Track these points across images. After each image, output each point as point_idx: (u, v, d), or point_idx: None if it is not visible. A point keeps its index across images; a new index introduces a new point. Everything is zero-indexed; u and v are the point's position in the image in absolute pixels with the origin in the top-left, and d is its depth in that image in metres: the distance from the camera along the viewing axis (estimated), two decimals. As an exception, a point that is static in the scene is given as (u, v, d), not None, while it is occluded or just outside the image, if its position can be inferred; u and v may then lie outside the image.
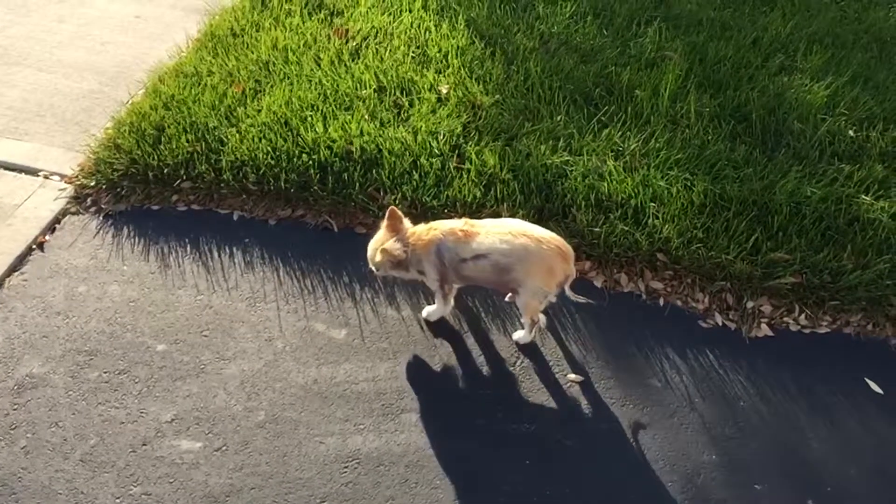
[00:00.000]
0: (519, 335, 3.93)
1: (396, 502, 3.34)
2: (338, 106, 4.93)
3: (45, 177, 4.74)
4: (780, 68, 5.41)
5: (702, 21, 5.84)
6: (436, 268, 3.68)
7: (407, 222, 3.72)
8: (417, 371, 3.82)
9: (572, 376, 3.82)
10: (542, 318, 3.88)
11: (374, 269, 3.80)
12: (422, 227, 3.72)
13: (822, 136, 4.82)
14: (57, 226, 4.47)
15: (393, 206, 3.68)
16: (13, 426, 3.54)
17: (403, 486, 3.40)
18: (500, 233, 3.58)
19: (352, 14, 5.76)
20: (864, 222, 4.35)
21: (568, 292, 3.76)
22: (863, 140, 4.86)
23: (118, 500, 3.30)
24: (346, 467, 3.45)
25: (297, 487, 3.37)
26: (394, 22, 5.68)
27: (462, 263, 3.61)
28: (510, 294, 3.98)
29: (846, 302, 4.13)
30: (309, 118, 4.81)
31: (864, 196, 4.47)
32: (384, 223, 3.70)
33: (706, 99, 5.07)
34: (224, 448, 3.50)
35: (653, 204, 4.41)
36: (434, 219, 4.35)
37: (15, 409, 3.60)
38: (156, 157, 4.66)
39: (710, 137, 4.82)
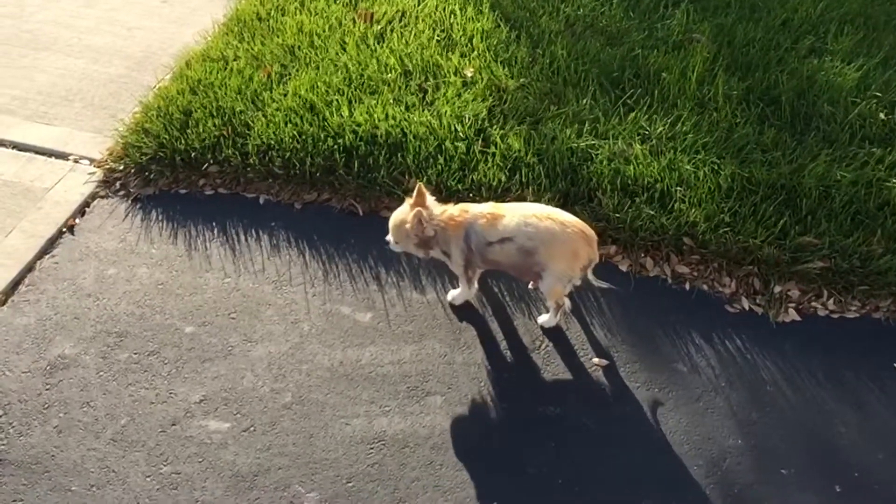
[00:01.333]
0: (544, 319, 3.93)
1: (422, 483, 3.37)
2: (363, 90, 4.94)
3: (75, 161, 4.80)
4: (810, 50, 5.32)
5: (730, 2, 5.76)
6: (462, 252, 3.68)
7: (432, 200, 3.69)
8: (442, 354, 3.84)
9: (597, 360, 3.82)
10: (567, 302, 3.88)
11: (393, 241, 3.79)
12: (455, 208, 3.70)
13: (852, 119, 4.75)
14: (86, 209, 4.53)
15: (420, 183, 3.67)
16: (46, 406, 3.61)
17: (429, 467, 3.42)
18: (524, 215, 3.57)
19: (377, -3, 5.76)
20: (895, 206, 4.29)
21: (590, 277, 3.76)
22: (894, 123, 4.78)
23: (148, 479, 3.36)
24: (371, 448, 3.48)
25: (323, 468, 3.41)
26: (419, 5, 5.66)
27: (488, 247, 3.61)
28: (532, 282, 3.98)
29: (875, 287, 4.08)
30: (334, 102, 4.82)
31: (895, 180, 4.40)
32: (410, 200, 3.67)
33: (734, 82, 5.01)
34: (252, 428, 3.54)
35: (679, 188, 4.38)
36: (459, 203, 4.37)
37: (48, 389, 3.67)
38: (183, 142, 4.70)
39: (738, 121, 4.77)
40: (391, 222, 3.76)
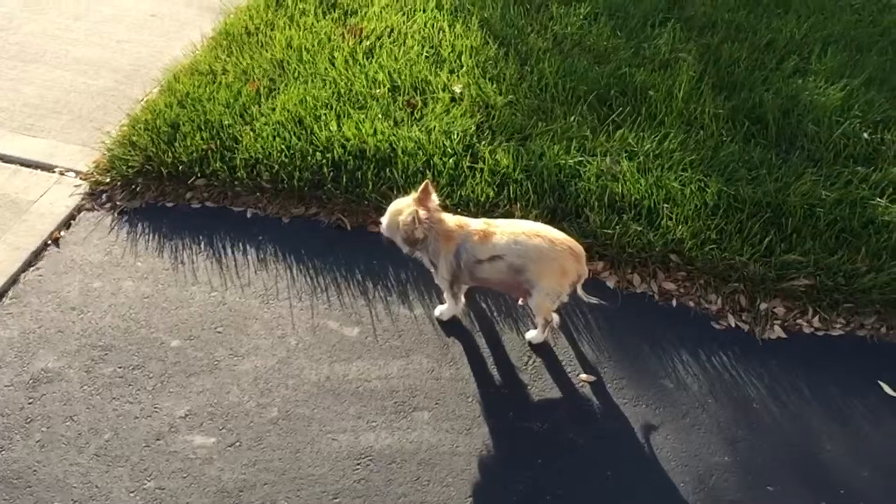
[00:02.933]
0: (532, 335, 3.93)
1: (408, 500, 3.35)
2: (352, 105, 4.95)
3: (61, 173, 4.77)
4: (794, 70, 5.39)
5: (716, 23, 5.82)
6: (450, 267, 3.68)
7: (436, 203, 3.65)
8: (430, 369, 3.83)
9: (584, 376, 3.82)
10: (556, 318, 3.88)
11: (383, 227, 3.75)
12: (452, 221, 3.67)
13: (836, 138, 4.81)
14: (72, 222, 4.50)
15: (428, 181, 3.63)
16: (28, 420, 3.57)
17: (415, 483, 3.40)
18: (514, 233, 3.58)
19: (365, 13, 5.77)
20: (880, 225, 4.33)
21: (580, 292, 3.76)
22: (878, 143, 4.84)
23: (132, 494, 3.32)
24: (358, 464, 3.46)
25: (309, 483, 3.38)
26: (407, 21, 5.69)
27: (477, 265, 3.61)
28: (521, 299, 3.99)
29: (860, 304, 4.12)
30: (323, 117, 4.83)
31: (879, 199, 4.45)
32: (415, 194, 3.63)
33: (720, 100, 5.06)
34: (237, 444, 3.51)
35: (666, 205, 4.40)
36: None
37: (30, 403, 3.63)
38: (170, 155, 4.68)
39: (724, 139, 4.81)
40: (390, 208, 3.72)
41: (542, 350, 3.93)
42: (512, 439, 3.58)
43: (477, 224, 3.68)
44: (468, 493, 3.38)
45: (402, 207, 3.64)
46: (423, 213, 3.56)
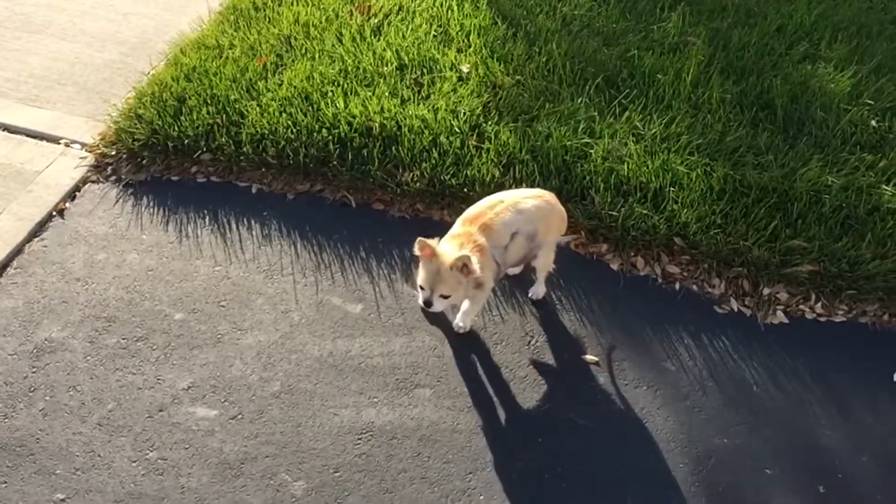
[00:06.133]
0: (536, 290, 4.01)
1: (409, 475, 3.37)
2: (358, 82, 4.93)
3: (67, 145, 4.77)
4: (804, 56, 5.36)
5: (726, 7, 5.78)
6: (493, 272, 3.59)
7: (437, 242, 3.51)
8: (432, 347, 3.84)
9: (586, 357, 3.83)
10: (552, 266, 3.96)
11: (445, 291, 3.46)
12: (462, 236, 3.50)
13: (844, 125, 4.78)
14: (77, 193, 4.50)
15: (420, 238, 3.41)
16: (32, 389, 3.59)
17: (416, 459, 3.42)
18: (509, 207, 3.59)
19: (374, -9, 5.75)
20: (885, 212, 4.32)
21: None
22: (885, 130, 4.82)
23: (134, 464, 3.35)
24: (359, 439, 3.48)
25: (310, 457, 3.40)
26: (416, -1, 5.67)
27: (505, 251, 3.59)
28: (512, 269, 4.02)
29: (863, 291, 4.12)
30: (330, 93, 4.82)
31: (885, 186, 4.44)
32: (421, 255, 3.44)
33: (729, 85, 5.03)
34: (239, 416, 3.53)
35: (672, 188, 4.40)
36: (453, 198, 4.39)
37: (34, 373, 3.65)
38: (176, 129, 4.68)
39: (731, 124, 4.79)
40: (430, 280, 3.44)
41: (544, 331, 3.94)
42: (512, 418, 3.60)
43: (465, 228, 3.55)
44: (468, 469, 3.40)
45: (437, 267, 3.40)
46: (475, 260, 3.39)
